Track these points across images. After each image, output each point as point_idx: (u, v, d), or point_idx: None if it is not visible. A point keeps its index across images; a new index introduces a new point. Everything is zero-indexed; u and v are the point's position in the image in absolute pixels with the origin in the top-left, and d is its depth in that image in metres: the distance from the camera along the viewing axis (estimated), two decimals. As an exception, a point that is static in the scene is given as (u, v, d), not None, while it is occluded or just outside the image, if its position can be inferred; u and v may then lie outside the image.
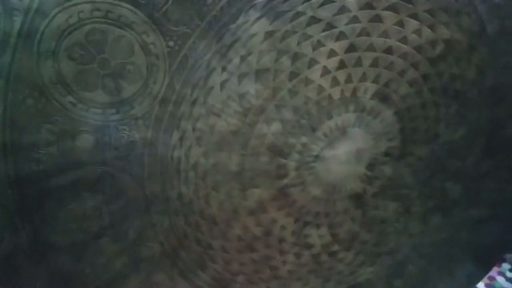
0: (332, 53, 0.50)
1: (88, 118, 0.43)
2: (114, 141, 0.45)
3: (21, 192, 0.44)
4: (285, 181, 0.56)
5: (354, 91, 0.53)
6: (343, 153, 0.57)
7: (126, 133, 0.45)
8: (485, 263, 0.77)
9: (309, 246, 0.61)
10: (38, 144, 0.42)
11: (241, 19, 0.44)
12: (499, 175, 0.68)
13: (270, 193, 0.56)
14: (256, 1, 0.44)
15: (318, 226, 0.60)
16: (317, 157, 0.56)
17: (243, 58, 0.47)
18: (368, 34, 0.50)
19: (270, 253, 0.59)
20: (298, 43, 0.48)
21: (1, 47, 0.38)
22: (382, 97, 0.54)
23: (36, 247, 0.47)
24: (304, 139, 0.54)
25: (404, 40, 0.52)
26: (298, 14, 0.46)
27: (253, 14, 0.45)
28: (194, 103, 0.47)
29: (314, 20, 0.47)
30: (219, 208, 0.54)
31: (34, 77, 0.40)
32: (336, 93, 0.52)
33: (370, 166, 0.59)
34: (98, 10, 0.39)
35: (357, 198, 0.60)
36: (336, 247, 0.62)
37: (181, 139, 0.49)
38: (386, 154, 0.59)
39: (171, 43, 0.43)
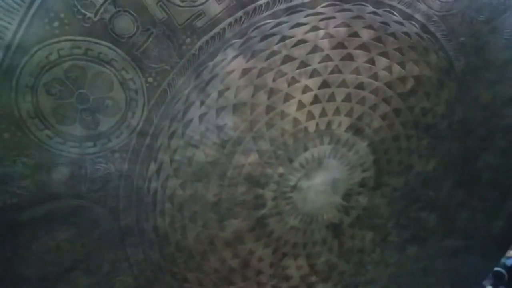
0: (306, 89, 0.52)
1: (65, 151, 0.43)
2: (90, 174, 0.45)
3: (-7, 225, 0.44)
4: (262, 211, 0.57)
5: (329, 124, 0.55)
6: (320, 184, 0.58)
7: (102, 165, 0.45)
8: (462, 292, 0.78)
9: (287, 278, 0.61)
10: (13, 177, 0.42)
11: (219, 57, 0.46)
12: (472, 204, 0.70)
13: (248, 223, 0.56)
14: (233, 41, 0.46)
15: (296, 257, 0.60)
16: (294, 187, 0.57)
17: (221, 93, 0.48)
18: (340, 71, 0.52)
19: (248, 286, 0.59)
20: (274, 79, 0.50)
21: (-20, 82, 0.39)
22: (356, 130, 0.56)
23: (8, 279, 0.46)
24: (281, 170, 0.55)
25: (375, 76, 0.54)
26: (273, 53, 0.48)
27: (231, 53, 0.46)
28: (172, 135, 0.48)
29: (288, 58, 0.49)
30: (196, 239, 0.54)
31: (12, 111, 0.40)
32: (311, 126, 0.54)
33: (346, 196, 0.60)
34: (78, 47, 0.40)
35: (334, 228, 0.61)
36: (314, 278, 0.63)
37: (158, 170, 0.49)
38: (361, 184, 0.60)
39: (150, 79, 0.44)
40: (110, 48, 0.41)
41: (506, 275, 0.99)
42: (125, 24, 0.41)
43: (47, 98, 0.41)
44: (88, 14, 0.40)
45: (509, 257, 1.02)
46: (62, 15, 0.39)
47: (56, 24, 0.39)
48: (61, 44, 0.40)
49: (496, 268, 0.98)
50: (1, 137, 0.41)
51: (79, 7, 0.39)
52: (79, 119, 0.43)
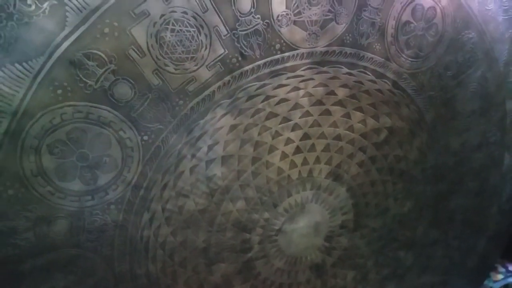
0: (289, 141, 0.56)
1: (65, 205, 0.46)
2: (87, 225, 0.48)
3: (-6, 275, 0.46)
4: (249, 254, 0.60)
5: (310, 172, 0.59)
6: (303, 227, 0.62)
7: (99, 217, 0.49)
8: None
9: (273, 317, 0.64)
10: (16, 230, 0.45)
11: (209, 116, 0.51)
12: (447, 243, 0.74)
13: (235, 266, 0.60)
14: (222, 101, 0.51)
15: (281, 297, 0.64)
16: (279, 231, 0.61)
17: (210, 147, 0.53)
18: (319, 125, 0.57)
19: (236, 326, 0.62)
20: (259, 133, 0.55)
21: (-13, 144, 0.43)
22: (335, 176, 0.61)
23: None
24: (266, 215, 0.59)
25: (351, 129, 0.59)
26: (258, 111, 0.53)
27: (220, 112, 0.51)
28: (164, 186, 0.52)
29: (272, 115, 0.54)
30: (185, 284, 0.57)
31: (17, 170, 0.44)
32: (294, 174, 0.59)
33: (328, 238, 0.64)
34: (80, 112, 0.45)
35: (317, 268, 0.65)
36: (299, 317, 0.66)
37: (150, 220, 0.53)
38: (342, 226, 0.64)
39: (145, 137, 0.48)
40: (109, 111, 0.45)
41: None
42: (123, 90, 0.46)
43: (50, 157, 0.45)
44: (90, 82, 0.44)
45: (496, 281, 1.05)
46: (65, 84, 0.43)
47: (59, 91, 0.43)
48: (64, 109, 0.44)
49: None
50: (6, 194, 0.44)
51: (81, 76, 0.44)
52: (79, 175, 0.46)
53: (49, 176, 0.45)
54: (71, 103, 0.44)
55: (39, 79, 0.43)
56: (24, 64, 0.42)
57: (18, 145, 0.44)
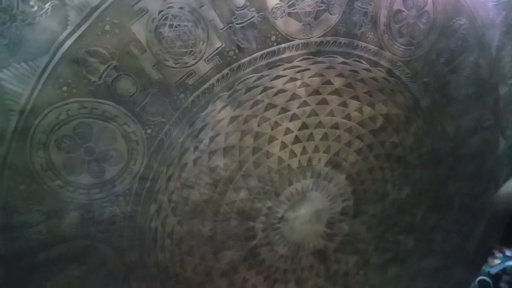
0: (287, 131, 0.58)
1: (74, 198, 0.48)
2: (97, 217, 0.50)
3: (10, 268, 0.48)
4: (254, 242, 0.62)
5: (310, 161, 0.61)
6: (304, 214, 0.64)
7: (108, 209, 0.50)
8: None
9: (278, 302, 0.66)
10: (28, 224, 0.47)
11: (209, 108, 0.52)
12: (447, 227, 0.76)
13: (241, 254, 0.61)
14: (221, 94, 0.52)
15: (286, 283, 0.65)
16: (281, 218, 0.62)
17: (212, 139, 0.54)
18: (316, 114, 0.59)
19: (243, 311, 0.64)
20: (259, 124, 0.56)
21: (-2, 141, 0.44)
22: (334, 164, 0.63)
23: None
24: (269, 203, 0.61)
25: (348, 117, 0.61)
26: (257, 102, 0.55)
27: (219, 104, 0.53)
28: (169, 178, 0.54)
29: (270, 106, 0.56)
30: (194, 272, 0.58)
31: (27, 166, 0.46)
32: (294, 163, 0.60)
33: (329, 224, 0.66)
34: (85, 107, 0.46)
35: (320, 254, 0.67)
36: (303, 302, 0.67)
37: (158, 210, 0.54)
38: (342, 213, 0.66)
39: (149, 131, 0.50)
40: (113, 106, 0.47)
41: (491, 283, 1.03)
42: (125, 85, 0.47)
43: (58, 152, 0.46)
44: (93, 79, 0.46)
45: (493, 266, 1.07)
46: (70, 81, 0.45)
47: (64, 88, 0.45)
48: (69, 106, 0.46)
49: (481, 277, 1.03)
50: (17, 189, 0.46)
51: (85, 72, 0.45)
52: (86, 169, 0.48)
53: (58, 170, 0.47)
54: (76, 99, 0.46)
55: (44, 77, 0.44)
56: (30, 63, 0.44)
57: (27, 141, 0.45)
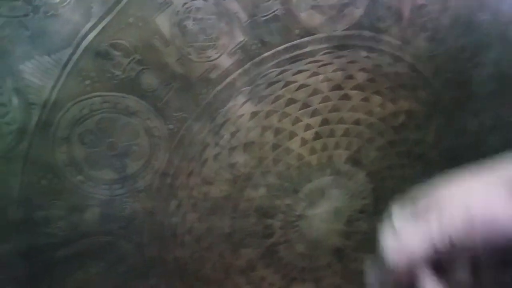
0: (308, 127, 0.57)
1: (96, 194, 0.48)
2: (118, 213, 0.49)
3: (31, 263, 0.47)
4: (272, 239, 0.61)
5: (330, 158, 0.60)
6: (323, 212, 0.63)
7: (129, 204, 0.50)
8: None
9: (296, 300, 0.65)
10: (49, 219, 0.47)
11: (230, 103, 0.51)
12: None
13: (259, 251, 0.61)
14: (243, 89, 0.51)
15: (303, 281, 0.65)
16: (300, 216, 0.62)
17: (233, 134, 0.54)
18: (338, 110, 0.58)
19: (260, 309, 0.63)
20: (279, 120, 0.55)
21: (20, 136, 0.44)
22: (355, 161, 0.62)
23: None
24: (287, 201, 0.60)
25: (370, 113, 0.60)
26: (278, 97, 0.54)
27: (241, 99, 0.52)
28: (190, 174, 0.53)
29: (291, 101, 0.55)
30: (212, 268, 0.58)
31: (49, 160, 0.45)
32: (314, 160, 0.59)
33: (348, 222, 0.65)
34: (108, 102, 0.46)
35: (338, 253, 0.66)
36: (321, 300, 0.67)
37: (178, 206, 0.54)
38: (361, 211, 0.65)
39: (171, 126, 0.49)
40: (136, 101, 0.47)
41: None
42: (149, 79, 0.47)
43: (81, 147, 0.46)
44: (116, 73, 0.45)
45: None
46: (92, 74, 0.45)
47: (87, 82, 0.45)
48: (92, 100, 0.45)
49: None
50: (39, 184, 0.46)
51: (108, 66, 0.45)
52: (109, 164, 0.47)
53: (81, 165, 0.47)
54: (99, 93, 0.45)
55: (67, 70, 0.44)
56: (52, 55, 0.43)
57: (49, 136, 0.45)
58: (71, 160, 0.46)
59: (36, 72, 0.43)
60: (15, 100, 0.43)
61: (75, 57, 0.43)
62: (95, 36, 0.43)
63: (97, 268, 0.51)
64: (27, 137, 0.44)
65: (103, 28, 0.43)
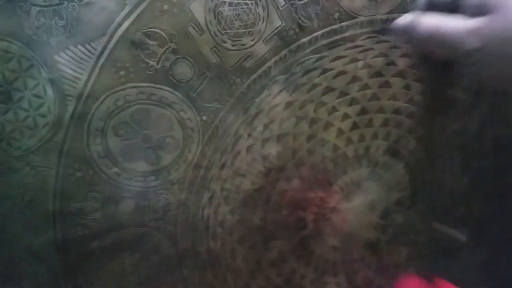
0: (345, 117, 0.55)
1: (131, 186, 0.47)
2: (152, 204, 0.49)
3: (66, 255, 0.48)
4: (304, 232, 0.60)
5: (367, 149, 0.58)
6: (358, 205, 0.61)
7: (163, 196, 0.49)
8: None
9: (327, 293, 0.64)
10: (84, 211, 0.46)
11: (265, 93, 0.49)
12: (502, 219, 0.72)
13: (291, 244, 0.60)
14: (277, 78, 0.49)
15: (335, 274, 0.63)
16: (333, 209, 0.60)
17: (266, 125, 0.52)
18: (378, 98, 0.55)
19: (292, 301, 0.62)
20: (315, 110, 0.53)
21: (55, 128, 0.43)
22: (393, 152, 0.59)
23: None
24: (321, 193, 0.58)
25: (411, 101, 0.57)
26: (314, 86, 0.52)
27: (275, 88, 0.50)
28: (222, 166, 0.52)
29: (329, 89, 0.52)
30: (244, 260, 0.57)
31: (84, 153, 0.45)
32: (350, 151, 0.57)
33: (383, 215, 0.63)
34: (142, 93, 0.44)
35: (372, 246, 0.64)
36: (353, 293, 0.66)
37: (210, 199, 0.53)
38: (398, 203, 0.63)
39: (204, 117, 0.48)
40: (170, 92, 0.45)
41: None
42: (183, 69, 0.45)
43: (116, 139, 0.45)
44: (151, 63, 0.44)
45: None
46: (127, 65, 0.43)
47: (122, 73, 0.43)
48: (127, 91, 0.44)
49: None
50: (74, 176, 0.45)
51: (142, 56, 0.43)
52: (143, 156, 0.47)
53: (116, 157, 0.46)
54: (134, 84, 0.44)
55: (101, 60, 0.42)
56: (87, 45, 0.42)
57: (84, 127, 0.44)
58: (106, 152, 0.45)
59: (70, 63, 0.41)
60: (50, 92, 0.42)
61: (109, 47, 0.42)
62: (130, 25, 0.41)
63: (131, 259, 0.50)
64: (62, 129, 0.44)
65: (137, 15, 0.41)
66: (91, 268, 0.50)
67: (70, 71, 0.42)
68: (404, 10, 0.51)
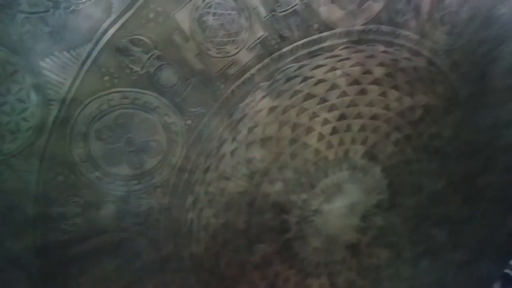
0: (325, 122, 0.57)
1: (113, 190, 0.47)
2: (134, 209, 0.49)
3: (46, 259, 0.47)
4: (287, 235, 0.61)
5: (346, 152, 0.60)
6: (339, 207, 0.63)
7: (145, 200, 0.49)
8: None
9: (310, 295, 0.65)
10: (65, 216, 0.46)
11: (248, 99, 0.51)
12: (477, 220, 0.74)
13: (275, 247, 0.61)
14: (261, 84, 0.51)
15: (318, 276, 0.65)
16: (316, 211, 0.61)
17: (250, 130, 0.53)
18: (356, 105, 0.57)
19: (275, 304, 0.63)
20: (297, 115, 0.55)
21: (37, 132, 0.43)
22: (371, 156, 0.61)
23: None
24: (304, 196, 0.60)
25: (387, 107, 0.59)
26: (296, 92, 0.53)
27: (259, 94, 0.51)
28: (207, 170, 0.53)
29: (309, 96, 0.54)
30: (227, 264, 0.58)
31: (66, 157, 0.45)
32: (331, 155, 0.59)
33: (363, 217, 0.65)
34: (126, 98, 0.45)
35: (353, 248, 0.66)
36: (335, 295, 0.67)
37: (194, 202, 0.53)
38: (377, 206, 0.65)
39: (189, 122, 0.49)
40: (155, 97, 0.46)
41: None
42: (168, 75, 0.46)
43: (98, 143, 0.45)
44: (136, 68, 0.44)
45: None
46: (112, 70, 0.44)
47: (107, 78, 0.44)
48: (111, 96, 0.45)
49: (505, 270, 1.02)
50: (55, 180, 0.45)
51: (127, 62, 0.44)
52: (126, 160, 0.47)
53: (98, 161, 0.46)
54: (118, 89, 0.44)
55: (86, 66, 0.43)
56: (72, 51, 0.42)
57: (67, 132, 0.44)
58: (88, 156, 0.45)
59: (55, 69, 0.42)
60: (33, 97, 0.42)
61: (94, 53, 0.42)
62: (115, 32, 0.42)
63: (113, 264, 0.50)
64: (44, 134, 0.44)
65: (123, 23, 0.42)
66: (72, 274, 0.49)
67: (54, 77, 0.42)
68: (379, 21, 0.53)
